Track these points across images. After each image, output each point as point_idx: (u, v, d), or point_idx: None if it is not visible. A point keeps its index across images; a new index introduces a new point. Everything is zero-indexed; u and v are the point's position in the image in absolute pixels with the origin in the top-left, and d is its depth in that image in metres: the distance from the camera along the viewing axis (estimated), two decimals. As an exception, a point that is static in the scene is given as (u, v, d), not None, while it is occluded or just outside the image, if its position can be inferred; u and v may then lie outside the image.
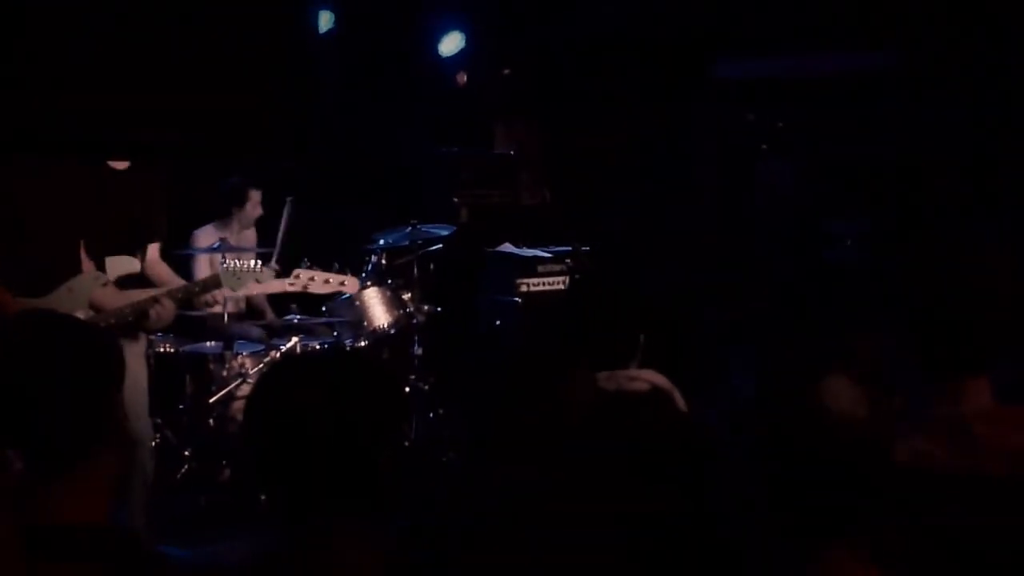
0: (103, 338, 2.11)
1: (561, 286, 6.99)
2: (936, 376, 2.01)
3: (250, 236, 6.50)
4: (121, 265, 4.28)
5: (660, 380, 2.73)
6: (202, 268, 6.11)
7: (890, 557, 1.79)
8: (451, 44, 8.21)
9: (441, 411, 6.36)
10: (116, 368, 2.06)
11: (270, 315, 6.54)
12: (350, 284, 4.78)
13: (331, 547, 1.78)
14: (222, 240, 5.97)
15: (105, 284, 4.13)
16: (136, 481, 4.14)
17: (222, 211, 6.38)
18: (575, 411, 2.54)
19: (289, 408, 1.80)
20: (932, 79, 7.90)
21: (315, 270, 4.65)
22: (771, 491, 1.81)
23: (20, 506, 1.84)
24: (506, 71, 8.02)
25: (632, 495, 2.33)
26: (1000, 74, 7.56)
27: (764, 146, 8.94)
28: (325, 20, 7.78)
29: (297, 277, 4.62)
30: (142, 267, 4.38)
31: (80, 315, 3.74)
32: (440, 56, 8.21)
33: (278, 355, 5.93)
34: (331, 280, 4.66)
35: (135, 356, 4.22)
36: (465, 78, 8.01)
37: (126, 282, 4.26)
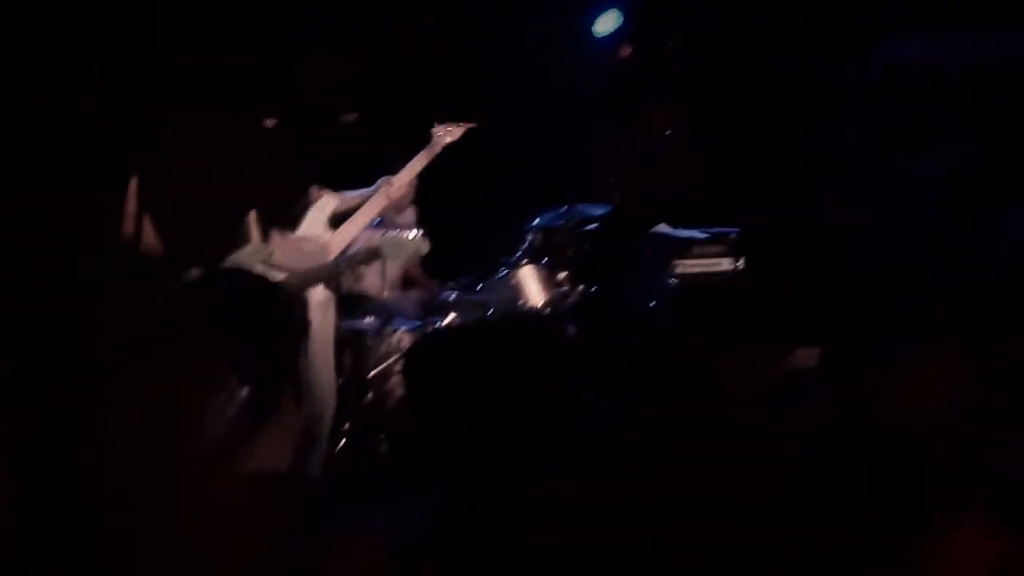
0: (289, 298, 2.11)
1: (718, 268, 6.87)
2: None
3: (409, 211, 6.51)
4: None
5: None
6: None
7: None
8: (606, 23, 8.12)
9: (594, 394, 6.29)
10: (300, 328, 2.06)
11: (428, 286, 6.54)
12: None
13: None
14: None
15: (271, 254, 4.18)
16: (319, 435, 4.19)
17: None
18: (737, 399, 2.46)
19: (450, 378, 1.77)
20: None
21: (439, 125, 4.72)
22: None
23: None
24: (669, 44, 7.87)
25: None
26: None
27: (924, 136, 8.62)
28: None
29: (437, 135, 4.67)
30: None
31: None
32: (595, 37, 8.13)
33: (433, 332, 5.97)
34: (452, 128, 4.72)
35: (325, 319, 4.26)
36: (628, 51, 7.90)
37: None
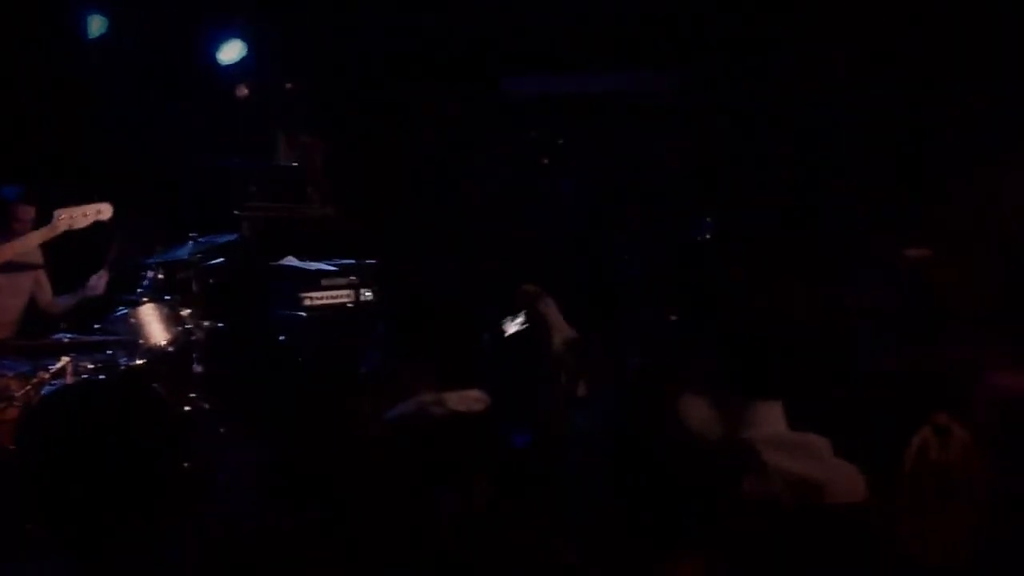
0: None
1: (346, 299, 6.94)
2: (735, 400, 2.07)
3: (31, 253, 6.13)
4: None
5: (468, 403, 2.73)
6: None
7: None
8: (231, 52, 8.01)
9: (223, 430, 6.17)
10: None
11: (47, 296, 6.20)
12: (105, 209, 4.81)
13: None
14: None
15: None
16: None
17: None
18: (365, 442, 2.51)
19: (65, 441, 1.71)
20: (711, 100, 8.24)
21: (70, 208, 4.65)
22: (620, 497, 1.84)
23: None
24: (289, 86, 7.87)
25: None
26: (769, 94, 7.96)
27: (546, 161, 9.11)
28: (96, 25, 7.46)
29: (59, 219, 4.59)
30: None
31: None
32: (220, 65, 8.01)
33: (47, 375, 5.63)
34: (88, 212, 4.70)
35: None
36: (245, 91, 7.82)
37: None
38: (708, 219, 7.93)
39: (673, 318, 6.78)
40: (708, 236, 7.88)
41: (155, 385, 5.56)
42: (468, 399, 2.73)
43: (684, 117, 8.42)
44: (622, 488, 1.95)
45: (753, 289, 1.99)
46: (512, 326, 4.49)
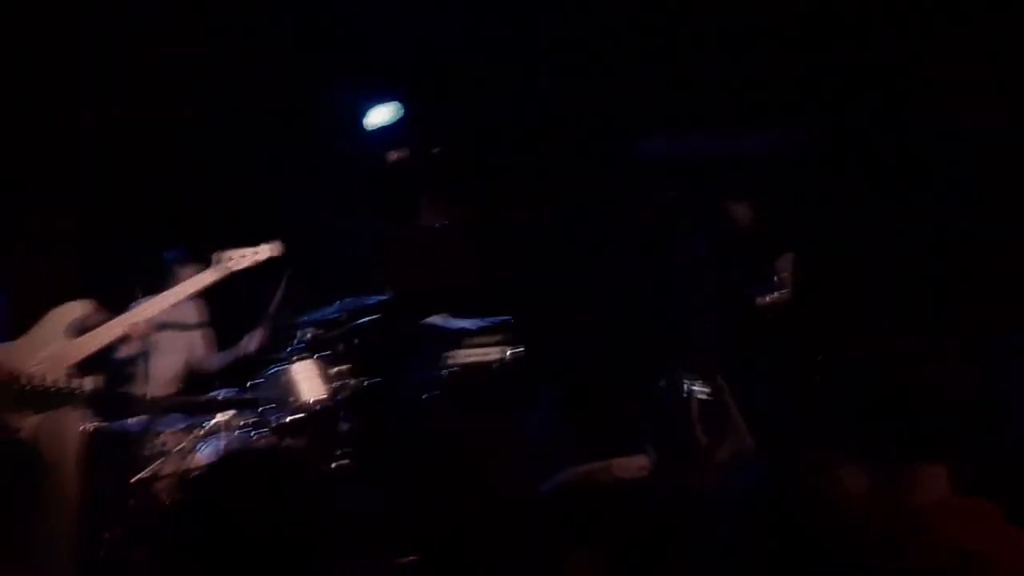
0: None
1: (493, 358, 6.97)
2: (892, 464, 1.99)
3: (190, 311, 6.36)
4: None
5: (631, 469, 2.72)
6: None
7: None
8: (378, 117, 8.21)
9: (370, 487, 6.25)
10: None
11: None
12: (273, 248, 4.80)
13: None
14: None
15: None
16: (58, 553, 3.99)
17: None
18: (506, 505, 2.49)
19: (213, 519, 1.73)
20: (842, 161, 8.11)
21: (230, 250, 4.67)
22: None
23: None
24: (436, 150, 8.02)
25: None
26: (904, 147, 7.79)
27: (684, 221, 9.05)
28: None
29: (219, 262, 4.61)
30: None
31: None
32: (366, 129, 8.21)
33: (202, 432, 5.80)
34: (247, 254, 4.69)
35: (65, 433, 4.08)
36: (399, 156, 8.00)
37: None
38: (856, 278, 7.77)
39: (817, 379, 6.63)
40: (855, 296, 7.71)
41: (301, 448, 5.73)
42: (633, 467, 2.69)
43: (818, 176, 8.29)
44: (772, 564, 1.89)
45: (908, 348, 1.92)
46: (697, 390, 4.42)
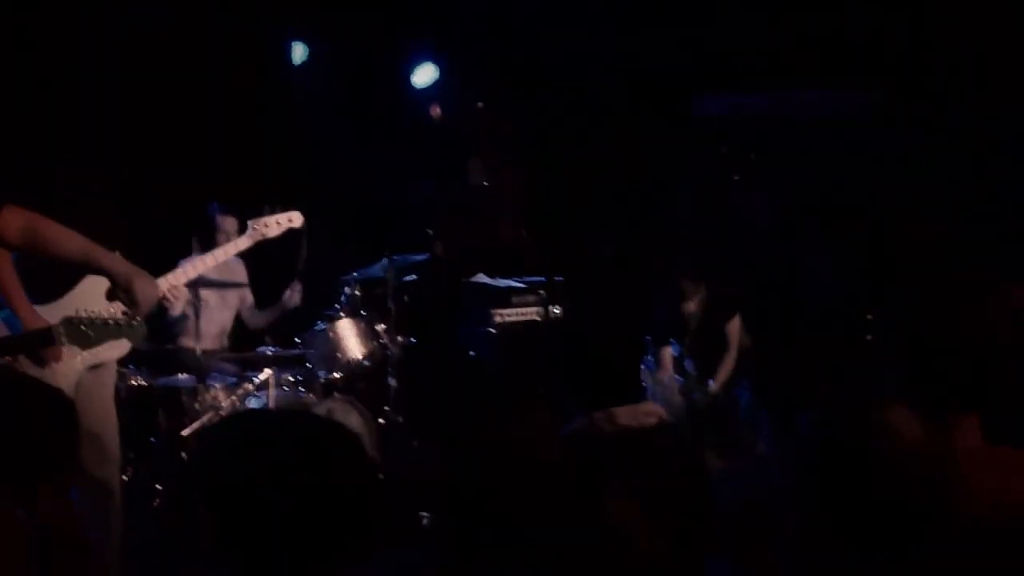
0: None
1: (535, 316, 6.99)
2: (928, 413, 1.99)
3: (237, 269, 6.43)
4: None
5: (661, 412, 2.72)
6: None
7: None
8: (424, 75, 8.20)
9: (416, 444, 6.31)
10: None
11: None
12: (296, 218, 4.95)
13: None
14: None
15: None
16: (109, 525, 4.08)
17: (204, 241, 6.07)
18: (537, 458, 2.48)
19: (244, 478, 1.72)
20: (904, 120, 7.98)
21: (262, 217, 4.80)
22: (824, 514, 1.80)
23: None
24: (480, 105, 8.00)
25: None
26: (965, 114, 7.67)
27: (737, 178, 8.96)
28: (299, 52, 7.78)
29: (253, 228, 4.75)
30: None
31: None
32: (413, 87, 8.21)
33: (251, 387, 5.89)
34: (280, 221, 4.85)
35: (102, 394, 4.15)
36: (439, 111, 8.00)
37: None
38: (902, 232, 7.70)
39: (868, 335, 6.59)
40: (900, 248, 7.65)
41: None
42: (640, 413, 2.69)
43: (877, 136, 8.18)
44: (826, 505, 1.89)
45: (953, 296, 1.91)
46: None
